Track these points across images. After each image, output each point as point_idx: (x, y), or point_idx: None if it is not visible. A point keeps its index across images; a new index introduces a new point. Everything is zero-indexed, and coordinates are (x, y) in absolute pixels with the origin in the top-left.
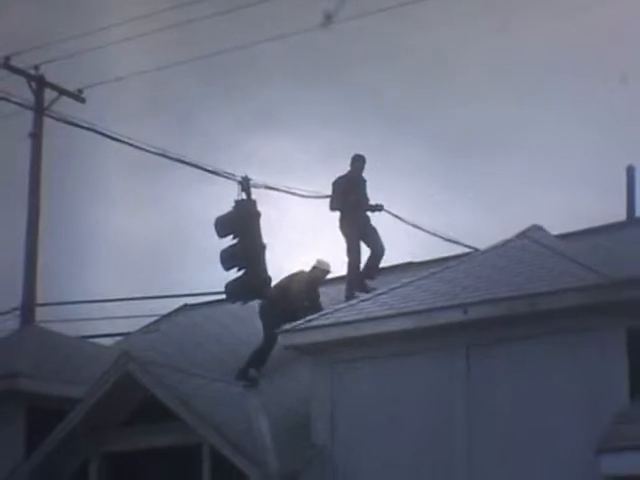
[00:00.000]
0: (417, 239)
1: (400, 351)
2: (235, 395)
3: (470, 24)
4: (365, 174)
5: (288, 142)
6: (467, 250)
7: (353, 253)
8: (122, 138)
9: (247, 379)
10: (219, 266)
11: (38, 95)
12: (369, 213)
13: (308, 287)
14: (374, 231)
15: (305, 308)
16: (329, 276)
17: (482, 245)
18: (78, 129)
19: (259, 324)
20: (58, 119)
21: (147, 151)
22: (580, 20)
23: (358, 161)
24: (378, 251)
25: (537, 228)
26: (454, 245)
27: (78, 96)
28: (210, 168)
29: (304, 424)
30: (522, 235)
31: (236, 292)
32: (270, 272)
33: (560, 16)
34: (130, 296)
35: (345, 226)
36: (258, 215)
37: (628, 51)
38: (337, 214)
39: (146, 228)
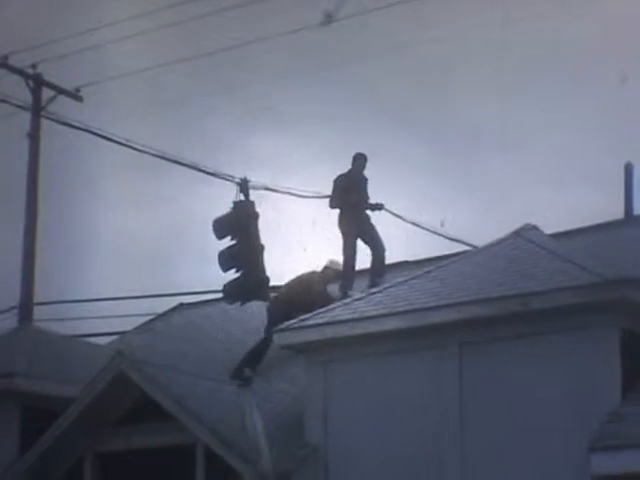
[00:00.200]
0: (417, 238)
1: (393, 350)
2: (229, 394)
3: (470, 22)
4: (365, 172)
5: (288, 141)
6: (466, 249)
7: (348, 251)
8: (120, 140)
9: (242, 378)
10: (215, 266)
11: (35, 94)
12: (369, 212)
13: (323, 288)
14: (373, 230)
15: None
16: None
17: (482, 244)
18: (76, 130)
19: (254, 324)
20: (56, 120)
21: (145, 152)
22: (581, 17)
23: (359, 159)
24: (379, 251)
25: (530, 227)
26: (454, 244)
27: (76, 95)
28: (209, 169)
29: (298, 423)
30: (515, 234)
31: (234, 293)
32: (269, 273)
33: (561, 14)
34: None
35: (344, 224)
36: (256, 216)
37: (628, 50)
38: (337, 212)
39: (144, 229)
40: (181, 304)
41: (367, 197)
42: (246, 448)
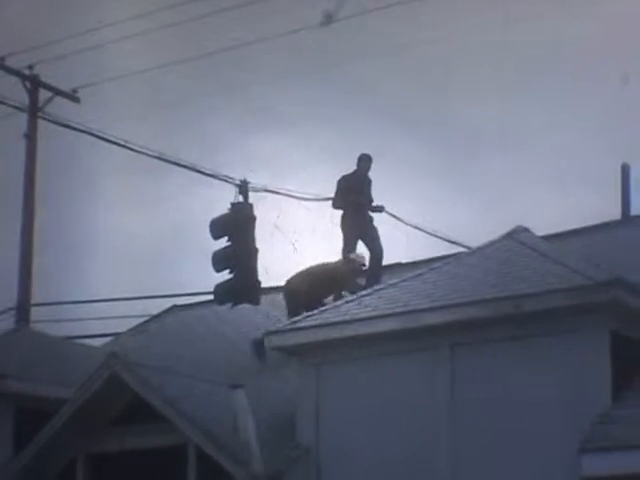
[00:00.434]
0: (417, 240)
1: (385, 352)
2: (221, 396)
3: (470, 22)
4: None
5: (288, 141)
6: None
7: (348, 252)
8: (118, 140)
9: (261, 351)
10: (211, 267)
11: (32, 95)
12: (372, 214)
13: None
14: (375, 231)
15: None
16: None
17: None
18: (73, 131)
19: (248, 325)
20: (53, 121)
21: (143, 153)
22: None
23: (364, 160)
24: (377, 252)
25: (522, 229)
26: (454, 246)
27: (73, 96)
28: (208, 170)
29: (290, 424)
30: (507, 236)
31: (225, 295)
32: (261, 277)
33: (562, 14)
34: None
35: (346, 224)
36: (253, 219)
37: (629, 50)
38: (339, 212)
39: (143, 230)
40: (175, 306)
41: (370, 199)
42: (238, 449)
